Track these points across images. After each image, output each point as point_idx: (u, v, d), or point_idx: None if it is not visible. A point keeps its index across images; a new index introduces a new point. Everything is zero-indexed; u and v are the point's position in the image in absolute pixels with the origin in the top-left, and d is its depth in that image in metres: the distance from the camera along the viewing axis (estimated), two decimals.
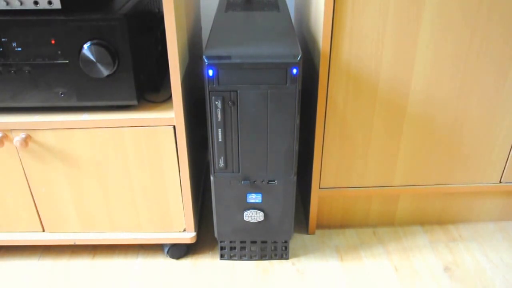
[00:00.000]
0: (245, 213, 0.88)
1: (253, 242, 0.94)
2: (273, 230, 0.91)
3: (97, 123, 0.78)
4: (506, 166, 0.96)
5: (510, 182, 0.98)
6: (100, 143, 0.81)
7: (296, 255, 0.98)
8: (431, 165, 0.95)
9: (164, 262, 0.96)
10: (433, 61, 0.83)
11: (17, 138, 0.78)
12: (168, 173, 0.84)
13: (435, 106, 0.88)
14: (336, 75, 0.84)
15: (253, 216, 0.88)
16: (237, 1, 1.07)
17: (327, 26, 0.79)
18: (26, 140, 0.79)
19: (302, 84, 0.94)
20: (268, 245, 0.95)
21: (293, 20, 1.23)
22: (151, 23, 0.86)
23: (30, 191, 0.86)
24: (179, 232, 0.93)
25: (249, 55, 0.73)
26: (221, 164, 0.82)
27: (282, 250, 0.96)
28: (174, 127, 0.80)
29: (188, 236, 0.92)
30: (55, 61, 0.74)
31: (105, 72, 0.73)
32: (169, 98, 0.85)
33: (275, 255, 0.96)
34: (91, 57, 0.72)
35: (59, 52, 0.73)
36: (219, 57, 0.72)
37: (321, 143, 0.91)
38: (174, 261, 0.97)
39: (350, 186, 0.97)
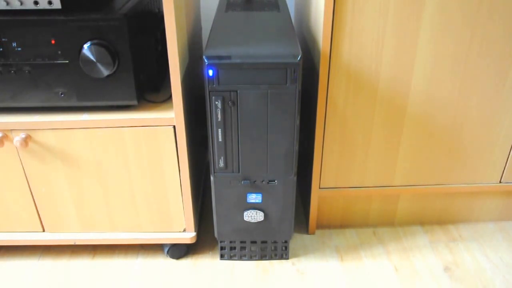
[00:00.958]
0: (245, 213, 0.88)
1: (253, 242, 0.94)
2: (273, 230, 0.91)
3: (97, 123, 0.78)
4: (506, 166, 0.96)
5: (510, 182, 0.98)
6: (100, 143, 0.81)
7: (296, 255, 0.98)
8: (431, 165, 0.95)
9: (164, 262, 0.96)
10: (433, 61, 0.83)
11: (17, 138, 0.78)
12: (168, 173, 0.84)
13: (435, 106, 0.88)
14: (336, 75, 0.84)
15: (253, 216, 0.88)
16: (237, 1, 1.07)
17: (327, 26, 0.79)
18: (26, 140, 0.79)
19: (302, 84, 0.94)
20: (268, 245, 0.95)
21: (293, 20, 1.23)
22: (151, 23, 0.86)
23: (30, 191, 0.86)
24: (179, 232, 0.93)
25: (249, 55, 0.73)
26: (221, 164, 0.82)
27: (282, 250, 0.96)
28: (174, 127, 0.80)
29: (188, 236, 0.92)
30: (55, 61, 0.74)
31: (105, 72, 0.73)
32: (169, 98, 0.85)
33: (275, 255, 0.96)
34: (91, 57, 0.72)
35: (59, 52, 0.73)
36: (219, 57, 0.72)
37: (321, 143, 0.91)
38: (174, 261, 0.97)
39: (350, 186, 0.97)
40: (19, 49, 0.73)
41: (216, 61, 0.72)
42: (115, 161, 0.83)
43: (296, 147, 0.81)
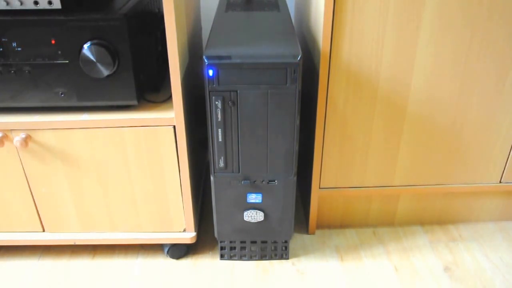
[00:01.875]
0: (245, 213, 0.88)
1: (253, 242, 0.94)
2: (273, 230, 0.91)
3: (97, 123, 0.78)
4: (506, 166, 0.96)
5: (510, 182, 0.98)
6: (100, 143, 0.81)
7: (296, 255, 0.98)
8: (431, 165, 0.95)
9: (164, 262, 0.96)
10: (433, 61, 0.83)
11: (17, 138, 0.78)
12: (168, 173, 0.84)
13: (435, 106, 0.88)
14: (336, 75, 0.84)
15: (253, 216, 0.88)
16: (237, 1, 1.07)
17: (327, 26, 0.79)
18: (26, 140, 0.79)
19: (302, 84, 0.94)
20: (268, 245, 0.95)
21: (293, 20, 1.23)
22: (151, 23, 0.86)
23: (30, 191, 0.86)
24: (179, 232, 0.93)
25: (249, 55, 0.73)
26: (221, 164, 0.82)
27: (282, 250, 0.96)
28: (174, 127, 0.80)
29: (188, 236, 0.92)
30: (55, 61, 0.74)
31: (105, 72, 0.73)
32: (169, 98, 0.85)
33: (275, 255, 0.96)
34: (91, 57, 0.72)
35: (59, 52, 0.73)
36: (219, 57, 0.72)
37: (321, 143, 0.91)
38: (174, 261, 0.97)
39: (350, 186, 0.97)
40: (19, 49, 0.73)
41: (216, 61, 0.72)
42: (115, 161, 0.83)
43: (296, 147, 0.81)
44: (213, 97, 0.75)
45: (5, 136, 0.79)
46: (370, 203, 1.04)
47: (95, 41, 0.72)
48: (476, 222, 1.08)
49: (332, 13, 0.78)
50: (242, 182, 0.84)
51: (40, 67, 0.74)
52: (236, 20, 0.91)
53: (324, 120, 0.89)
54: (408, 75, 0.84)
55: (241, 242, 0.94)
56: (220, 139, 0.79)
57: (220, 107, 0.76)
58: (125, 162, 0.83)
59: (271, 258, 0.97)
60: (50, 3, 0.70)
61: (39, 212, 0.89)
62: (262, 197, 0.86)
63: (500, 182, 0.98)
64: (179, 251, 0.97)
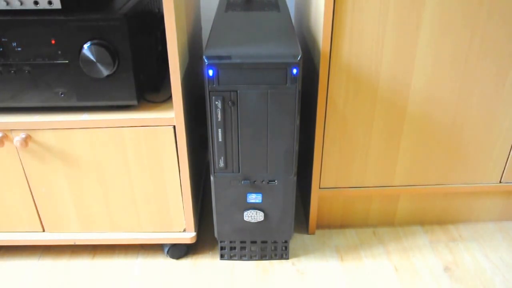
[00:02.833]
0: (245, 213, 0.88)
1: (253, 242, 0.94)
2: (273, 230, 0.91)
3: (97, 123, 0.78)
4: (506, 166, 0.96)
5: (510, 182, 0.98)
6: (100, 143, 0.81)
7: (296, 255, 0.98)
8: (431, 165, 0.95)
9: (164, 262, 0.96)
10: (433, 61, 0.83)
11: (17, 138, 0.78)
12: (168, 173, 0.84)
13: (435, 106, 0.88)
14: (336, 75, 0.84)
15: (253, 216, 0.88)
16: (237, 1, 1.07)
17: (327, 26, 0.79)
18: (26, 140, 0.79)
19: (302, 84, 0.94)
20: (268, 245, 0.95)
21: (293, 20, 1.23)
22: (151, 23, 0.86)
23: (30, 191, 0.86)
24: (179, 232, 0.93)
25: (249, 55, 0.73)
26: (221, 164, 0.82)
27: (282, 250, 0.96)
28: (174, 127, 0.80)
29: (188, 236, 0.92)
30: (55, 61, 0.74)
31: (105, 72, 0.73)
32: (169, 98, 0.85)
33: (275, 255, 0.96)
34: (91, 57, 0.72)
35: (59, 52, 0.73)
36: (219, 57, 0.72)
37: (321, 143, 0.91)
38: (174, 261, 0.97)
39: (350, 186, 0.97)
40: (19, 49, 0.73)
41: (216, 61, 0.72)
42: (115, 161, 0.83)
43: (296, 147, 0.81)
44: (213, 97, 0.75)
45: (5, 136, 0.79)
46: (370, 203, 1.04)
47: (95, 41, 0.72)
48: (476, 222, 1.08)
49: (332, 13, 0.78)
50: (242, 182, 0.84)
51: (40, 67, 0.74)
52: (236, 20, 0.91)
53: (324, 120, 0.89)
54: (408, 75, 0.84)
55: (241, 242, 0.94)
56: (220, 139, 0.79)
57: (220, 107, 0.76)
58: (125, 162, 0.83)
59: (271, 258, 0.97)
60: (50, 3, 0.70)
61: (39, 212, 0.89)
62: (262, 197, 0.86)
63: (500, 182, 0.98)
64: (179, 251, 0.97)
